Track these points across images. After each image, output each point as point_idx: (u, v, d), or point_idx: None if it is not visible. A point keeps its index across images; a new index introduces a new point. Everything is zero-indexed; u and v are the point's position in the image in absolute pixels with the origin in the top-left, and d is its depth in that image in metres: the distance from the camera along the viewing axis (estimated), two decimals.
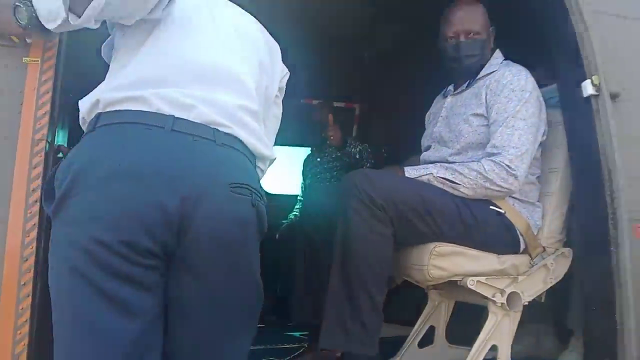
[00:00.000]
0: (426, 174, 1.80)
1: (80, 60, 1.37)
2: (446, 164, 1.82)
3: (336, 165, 3.32)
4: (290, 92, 1.59)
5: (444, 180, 1.79)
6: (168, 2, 1.09)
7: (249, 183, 1.07)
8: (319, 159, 3.47)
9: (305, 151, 3.89)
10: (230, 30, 1.22)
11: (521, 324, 2.20)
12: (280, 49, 1.41)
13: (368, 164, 3.31)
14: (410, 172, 1.83)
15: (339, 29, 3.19)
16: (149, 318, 0.95)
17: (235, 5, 1.35)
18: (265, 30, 1.36)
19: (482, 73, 1.96)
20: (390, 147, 3.65)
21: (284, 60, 1.43)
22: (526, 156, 1.74)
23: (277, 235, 3.06)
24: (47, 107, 1.20)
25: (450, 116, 2.01)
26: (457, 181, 1.75)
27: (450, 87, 2.14)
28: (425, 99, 2.37)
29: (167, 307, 1.00)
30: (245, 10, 1.34)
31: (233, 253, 1.03)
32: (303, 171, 3.65)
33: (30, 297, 1.12)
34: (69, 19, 0.95)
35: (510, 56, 2.04)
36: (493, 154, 1.74)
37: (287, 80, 1.46)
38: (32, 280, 1.13)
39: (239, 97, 1.13)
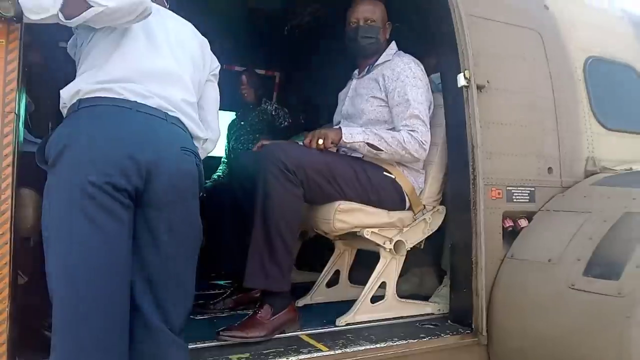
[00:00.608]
0: (360, 141, 2.14)
1: (38, 43, 1.56)
2: (375, 130, 2.18)
3: (258, 129, 3.62)
4: (218, 60, 1.89)
5: (370, 147, 2.15)
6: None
7: (192, 149, 1.51)
8: (242, 122, 3.75)
9: (229, 115, 4.15)
10: (174, 41, 1.59)
11: (409, 268, 2.74)
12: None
13: (285, 122, 3.65)
14: (347, 136, 2.14)
15: (262, 2, 3.44)
16: (122, 244, 1.31)
17: (178, 17, 1.72)
18: (197, 32, 1.74)
19: (379, 61, 2.37)
20: (308, 115, 4.00)
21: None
22: (429, 133, 2.20)
23: (202, 194, 3.32)
24: (14, 84, 1.39)
25: (354, 97, 2.41)
26: (381, 148, 2.14)
27: (356, 72, 2.52)
28: (340, 73, 2.71)
29: (137, 240, 1.34)
30: None
31: (184, 197, 1.43)
32: (227, 134, 3.91)
33: (8, 244, 1.36)
34: (59, 17, 1.21)
35: (407, 48, 2.44)
36: (411, 130, 2.15)
37: (214, 47, 1.82)
38: (9, 230, 1.37)
39: (182, 93, 1.54)
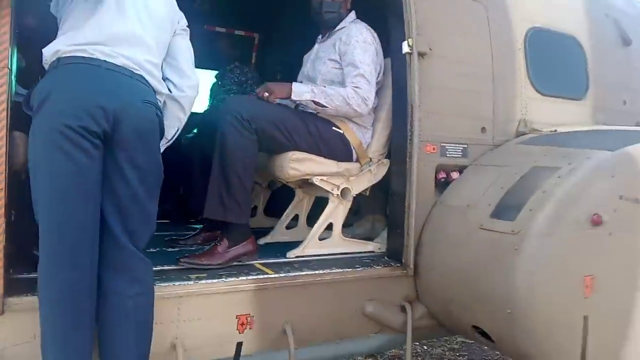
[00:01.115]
0: (307, 99, 2.43)
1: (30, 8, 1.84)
2: (323, 87, 2.46)
3: (233, 89, 3.90)
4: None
5: (316, 104, 2.44)
6: None
7: (154, 102, 1.82)
8: (219, 83, 4.02)
9: (209, 73, 4.43)
10: (141, 6, 1.87)
11: (363, 215, 3.09)
12: None
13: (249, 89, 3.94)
14: (295, 93, 2.42)
15: None
16: (92, 175, 1.64)
17: None
18: None
19: (338, 28, 2.64)
20: (284, 75, 4.26)
21: None
22: (373, 90, 2.49)
23: (182, 141, 3.63)
24: (6, 44, 1.67)
25: (315, 59, 2.69)
26: (327, 105, 2.43)
27: (319, 37, 2.79)
28: (314, 34, 2.95)
29: (108, 174, 1.67)
30: None
31: (146, 140, 1.75)
32: (210, 93, 4.21)
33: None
34: None
35: (369, 18, 2.68)
36: (355, 87, 2.43)
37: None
38: (4, 163, 1.67)
39: (145, 54, 1.83)
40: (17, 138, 1.86)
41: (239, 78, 3.80)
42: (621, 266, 2.07)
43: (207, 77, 4.63)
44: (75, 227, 1.60)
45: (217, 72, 4.25)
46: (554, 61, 2.98)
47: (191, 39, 2.19)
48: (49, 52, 1.71)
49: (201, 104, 4.38)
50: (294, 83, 2.49)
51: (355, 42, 2.51)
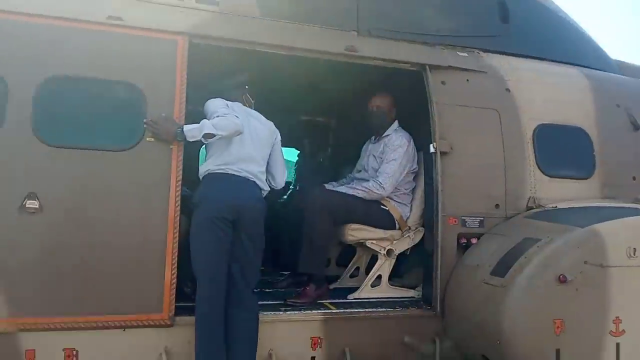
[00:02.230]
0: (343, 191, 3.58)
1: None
2: (354, 185, 3.60)
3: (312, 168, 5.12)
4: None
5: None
6: None
7: (261, 198, 2.93)
8: (302, 161, 5.27)
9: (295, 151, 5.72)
10: (254, 133, 3.04)
11: (413, 267, 4.00)
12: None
13: None
14: (333, 188, 3.65)
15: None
16: (226, 245, 2.78)
17: (256, 114, 3.15)
18: (267, 120, 3.19)
19: (385, 134, 3.69)
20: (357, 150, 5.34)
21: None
22: (393, 178, 3.51)
23: (275, 206, 4.81)
24: (180, 167, 2.89)
25: (369, 156, 3.76)
26: (357, 195, 3.50)
27: (372, 137, 3.86)
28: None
29: (234, 244, 2.80)
30: None
31: (257, 223, 2.90)
32: (296, 164, 5.45)
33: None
34: (202, 140, 2.70)
35: (407, 124, 3.73)
36: (377, 177, 3.52)
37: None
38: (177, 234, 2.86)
39: (257, 167, 2.99)
40: (183, 220, 3.07)
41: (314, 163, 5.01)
42: (588, 314, 2.81)
43: (295, 152, 5.90)
44: (215, 275, 2.75)
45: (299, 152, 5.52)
46: (561, 149, 3.76)
47: (284, 126, 3.42)
48: (203, 170, 2.94)
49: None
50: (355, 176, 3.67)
51: (392, 145, 3.59)
